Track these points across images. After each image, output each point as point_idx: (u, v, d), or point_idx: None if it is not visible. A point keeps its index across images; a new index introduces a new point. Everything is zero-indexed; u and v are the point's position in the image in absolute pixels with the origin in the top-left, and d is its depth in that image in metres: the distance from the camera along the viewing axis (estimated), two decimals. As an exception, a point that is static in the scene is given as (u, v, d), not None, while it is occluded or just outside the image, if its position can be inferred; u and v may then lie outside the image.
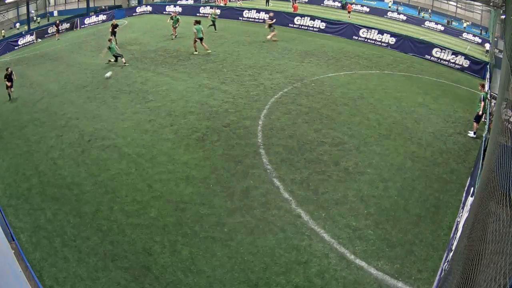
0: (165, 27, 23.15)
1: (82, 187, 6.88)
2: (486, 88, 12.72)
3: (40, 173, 7.47)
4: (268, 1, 32.89)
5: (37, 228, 5.91)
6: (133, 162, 7.64)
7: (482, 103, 9.38)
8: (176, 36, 19.30)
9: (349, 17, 30.14)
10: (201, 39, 15.35)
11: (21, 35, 24.40)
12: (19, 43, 23.03)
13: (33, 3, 33.62)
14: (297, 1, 32.17)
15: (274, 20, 18.98)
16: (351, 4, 36.84)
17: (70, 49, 19.24)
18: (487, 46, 29.91)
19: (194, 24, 15.16)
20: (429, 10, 42.84)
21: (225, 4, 29.69)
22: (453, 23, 39.80)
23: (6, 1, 28.26)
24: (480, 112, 9.40)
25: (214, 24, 20.58)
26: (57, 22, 25.52)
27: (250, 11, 25.31)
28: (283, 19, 23.41)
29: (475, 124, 9.50)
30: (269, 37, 18.33)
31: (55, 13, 35.03)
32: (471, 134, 9.48)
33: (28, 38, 23.88)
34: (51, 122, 9.81)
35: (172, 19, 19.48)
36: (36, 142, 8.78)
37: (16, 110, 10.88)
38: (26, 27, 28.18)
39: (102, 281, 4.86)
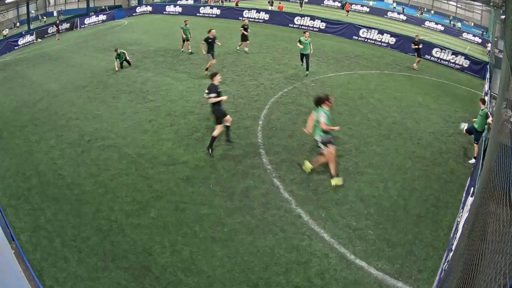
0: (165, 27, 23.18)
1: (82, 187, 6.88)
2: (486, 88, 12.72)
3: (40, 173, 7.47)
4: (272, 2, 32.92)
5: (37, 228, 5.90)
6: (133, 162, 7.64)
7: (490, 118, 7.84)
8: (190, 51, 15.98)
9: (346, 15, 30.17)
10: None
11: (21, 35, 24.40)
12: (19, 43, 23.05)
13: (33, 3, 33.62)
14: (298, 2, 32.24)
15: (421, 46, 15.92)
16: (350, 3, 36.85)
17: (70, 49, 19.24)
18: (489, 46, 29.92)
19: None
20: (432, 11, 42.87)
21: (236, 5, 29.50)
22: (453, 23, 39.81)
23: (6, 1, 28.27)
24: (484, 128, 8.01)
25: (305, 60, 13.00)
26: (57, 22, 25.56)
27: (250, 11, 25.34)
28: (283, 19, 23.45)
29: (476, 147, 8.09)
30: (415, 65, 15.72)
31: (55, 13, 35.03)
32: (472, 161, 8.06)
33: (28, 38, 23.89)
34: (51, 122, 9.81)
35: (184, 29, 15.79)
36: (36, 142, 8.77)
37: (16, 110, 10.88)
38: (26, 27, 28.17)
39: (102, 281, 4.86)
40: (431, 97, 12.13)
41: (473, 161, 8.08)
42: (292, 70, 13.84)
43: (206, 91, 7.25)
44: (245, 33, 15.59)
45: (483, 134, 7.94)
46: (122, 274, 4.95)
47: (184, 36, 15.83)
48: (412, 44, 16.14)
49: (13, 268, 4.17)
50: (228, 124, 7.57)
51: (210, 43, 12.66)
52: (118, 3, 38.61)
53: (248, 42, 16.01)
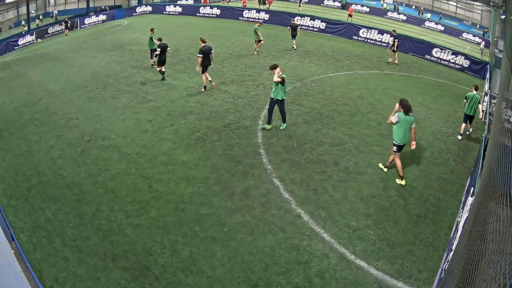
0: (165, 27, 23.16)
1: (82, 187, 6.88)
2: (486, 88, 12.73)
3: (40, 173, 7.47)
4: (264, 2, 32.92)
5: (37, 228, 5.90)
6: (133, 162, 7.63)
7: (464, 101, 9.30)
8: (257, 51, 16.24)
9: (350, 20, 30.01)
10: None
11: (21, 35, 24.42)
12: (19, 43, 23.05)
13: (33, 3, 33.63)
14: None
15: (397, 42, 16.06)
16: (350, 3, 36.75)
17: (70, 49, 19.24)
18: (482, 44, 29.97)
19: None
20: (405, 4, 43.00)
21: (264, 3, 29.87)
22: (447, 21, 39.92)
23: (6, 1, 28.29)
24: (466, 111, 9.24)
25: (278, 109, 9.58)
26: (66, 19, 26.65)
27: (250, 11, 25.34)
28: (283, 19, 23.46)
29: (462, 125, 9.30)
30: (390, 60, 16.28)
31: (55, 13, 35.02)
32: (459, 137, 9.29)
33: (28, 38, 23.90)
34: (51, 122, 9.81)
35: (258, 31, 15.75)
36: (36, 142, 8.77)
37: (16, 110, 10.88)
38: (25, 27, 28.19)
39: (102, 281, 4.86)
40: (431, 97, 12.13)
41: (459, 137, 9.27)
42: (292, 70, 13.84)
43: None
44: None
45: (483, 135, 7.96)
46: (122, 274, 4.95)
47: (262, 38, 16.10)
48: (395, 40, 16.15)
49: (13, 268, 4.17)
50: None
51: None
52: (118, 3, 38.62)
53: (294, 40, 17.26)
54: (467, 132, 9.50)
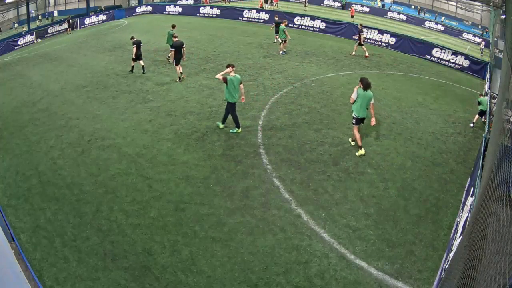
0: (165, 27, 23.15)
1: (82, 187, 6.88)
2: (486, 88, 12.79)
3: (40, 173, 7.46)
4: (267, 1, 32.88)
5: (37, 228, 5.90)
6: (133, 162, 7.63)
7: (480, 106, 10.38)
8: (283, 51, 16.40)
9: (351, 21, 29.97)
10: None
11: (21, 35, 24.42)
12: (19, 43, 23.05)
13: (33, 3, 33.61)
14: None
15: (360, 34, 16.59)
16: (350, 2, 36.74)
17: (70, 49, 19.24)
18: (482, 44, 30.03)
19: None
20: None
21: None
22: (448, 21, 39.94)
23: (6, 1, 28.30)
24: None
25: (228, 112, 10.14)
26: (68, 17, 26.98)
27: (250, 11, 25.34)
28: (283, 19, 23.44)
29: (477, 116, 10.40)
30: (354, 53, 16.71)
31: (55, 13, 35.01)
32: (471, 125, 10.41)
33: (28, 38, 23.90)
34: (51, 122, 9.80)
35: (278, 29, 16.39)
36: (36, 142, 8.77)
37: (16, 110, 10.87)
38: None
39: (102, 281, 4.86)
40: (431, 97, 12.13)
41: (471, 125, 10.31)
42: (292, 70, 13.84)
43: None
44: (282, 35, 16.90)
45: (484, 135, 8.00)
46: (122, 274, 4.95)
47: (289, 37, 16.44)
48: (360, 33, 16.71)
49: (13, 268, 4.17)
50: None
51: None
52: (118, 3, 38.62)
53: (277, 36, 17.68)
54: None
